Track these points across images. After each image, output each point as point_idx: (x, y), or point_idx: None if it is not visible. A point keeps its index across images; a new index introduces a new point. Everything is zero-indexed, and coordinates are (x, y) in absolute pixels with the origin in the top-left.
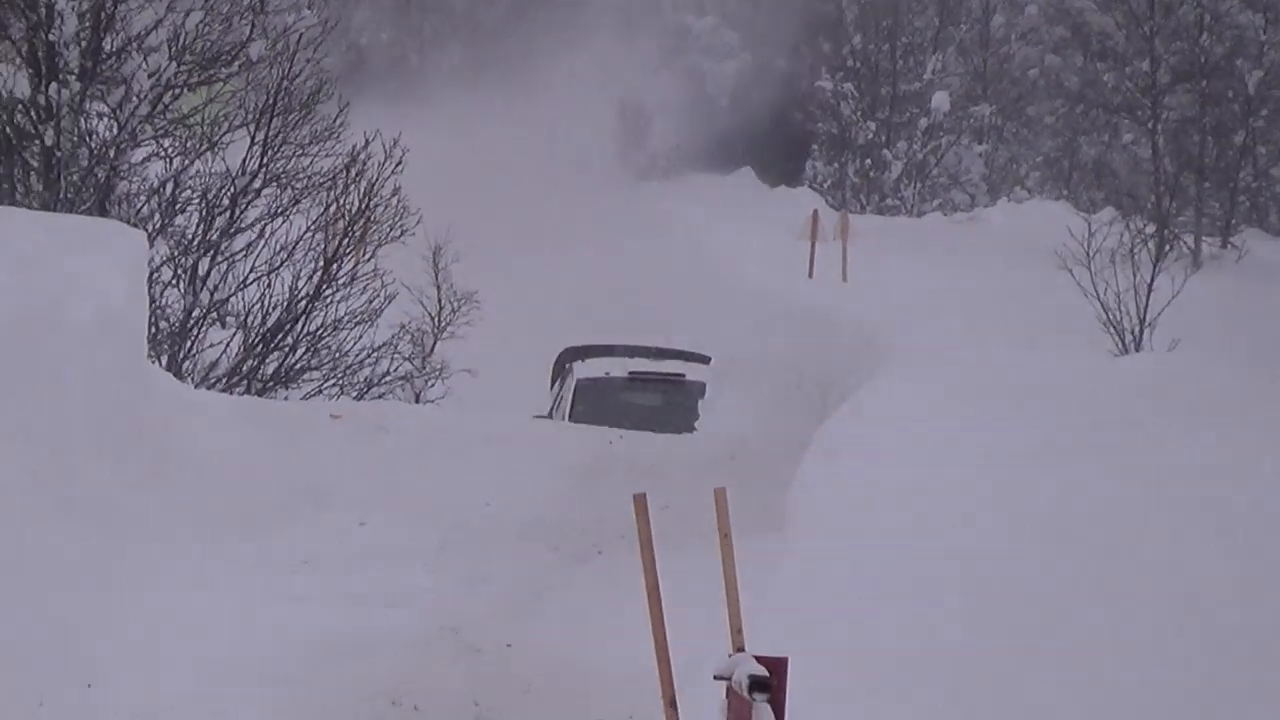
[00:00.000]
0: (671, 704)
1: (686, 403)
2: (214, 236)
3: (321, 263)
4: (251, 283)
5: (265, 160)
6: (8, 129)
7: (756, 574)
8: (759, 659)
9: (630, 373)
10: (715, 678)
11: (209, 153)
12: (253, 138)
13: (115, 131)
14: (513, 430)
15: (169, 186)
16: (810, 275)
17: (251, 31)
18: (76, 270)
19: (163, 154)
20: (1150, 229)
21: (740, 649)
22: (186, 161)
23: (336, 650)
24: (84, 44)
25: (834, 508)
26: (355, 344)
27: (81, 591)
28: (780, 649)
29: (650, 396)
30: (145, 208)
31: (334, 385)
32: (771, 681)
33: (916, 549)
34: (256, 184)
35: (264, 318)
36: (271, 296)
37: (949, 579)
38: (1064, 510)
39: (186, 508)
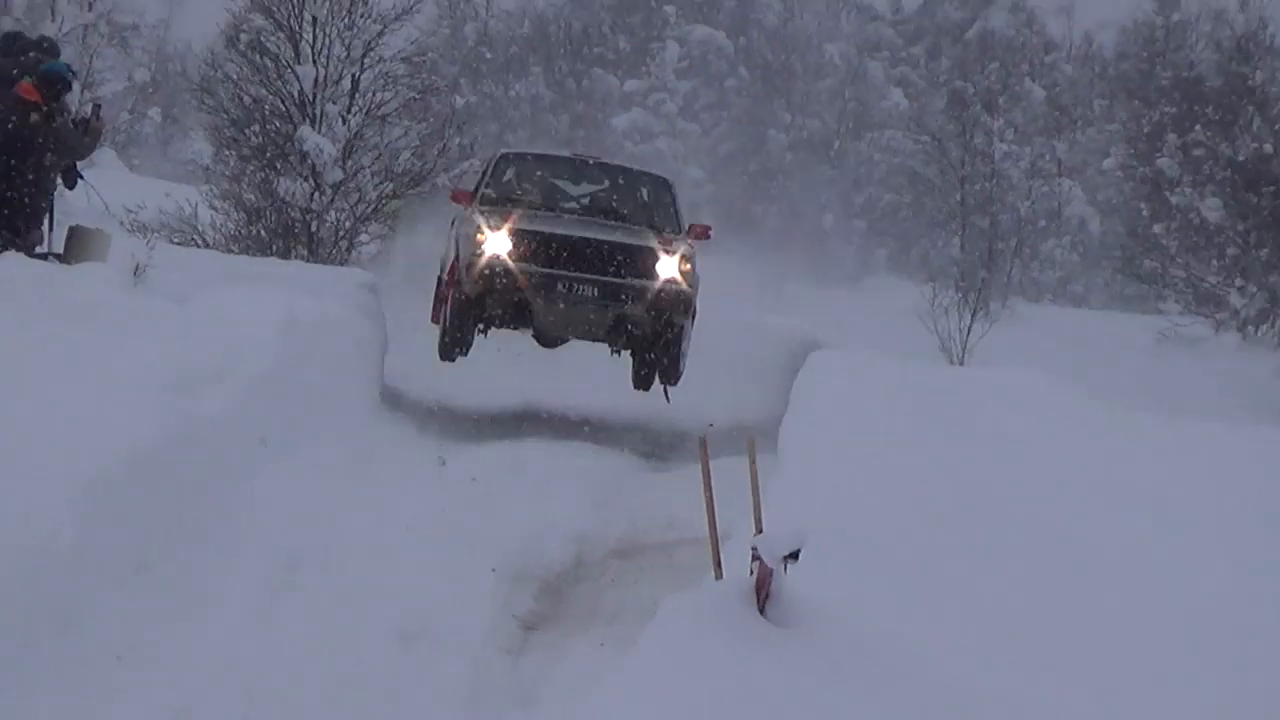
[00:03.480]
0: (718, 564)
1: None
2: None
3: None
4: None
5: None
6: (289, 219)
7: (762, 478)
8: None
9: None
10: (753, 549)
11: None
12: None
13: (351, 222)
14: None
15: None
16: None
17: (435, 165)
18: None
19: (376, 237)
20: (965, 296)
21: (759, 531)
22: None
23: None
24: (337, 168)
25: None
26: None
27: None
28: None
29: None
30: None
31: None
32: (798, 553)
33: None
34: None
35: None
36: None
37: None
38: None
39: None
